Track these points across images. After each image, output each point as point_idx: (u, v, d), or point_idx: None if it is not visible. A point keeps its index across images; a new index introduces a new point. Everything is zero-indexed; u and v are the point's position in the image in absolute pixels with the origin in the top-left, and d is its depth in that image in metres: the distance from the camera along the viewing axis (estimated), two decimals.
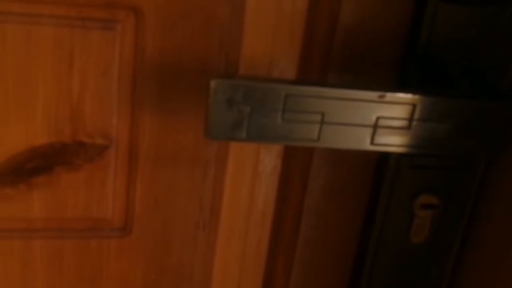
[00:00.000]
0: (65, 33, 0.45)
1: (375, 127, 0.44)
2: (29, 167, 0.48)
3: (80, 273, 0.54)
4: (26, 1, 0.43)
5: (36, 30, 0.44)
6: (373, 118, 0.43)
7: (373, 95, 0.43)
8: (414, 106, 0.43)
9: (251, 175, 0.54)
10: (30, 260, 0.52)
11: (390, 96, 0.43)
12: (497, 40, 0.49)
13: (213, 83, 0.40)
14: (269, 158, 0.54)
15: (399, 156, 0.52)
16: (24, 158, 0.48)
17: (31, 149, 0.48)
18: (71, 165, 0.49)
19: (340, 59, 0.50)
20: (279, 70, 0.51)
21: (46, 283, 0.54)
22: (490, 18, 0.49)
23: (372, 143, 0.44)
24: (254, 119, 0.42)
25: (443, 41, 0.49)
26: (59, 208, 0.51)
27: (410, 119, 0.44)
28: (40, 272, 0.53)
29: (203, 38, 0.47)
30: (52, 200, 0.50)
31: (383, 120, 0.43)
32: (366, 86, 0.43)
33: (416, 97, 0.43)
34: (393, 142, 0.44)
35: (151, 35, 0.46)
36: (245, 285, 0.60)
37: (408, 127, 0.44)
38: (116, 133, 0.49)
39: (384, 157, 0.53)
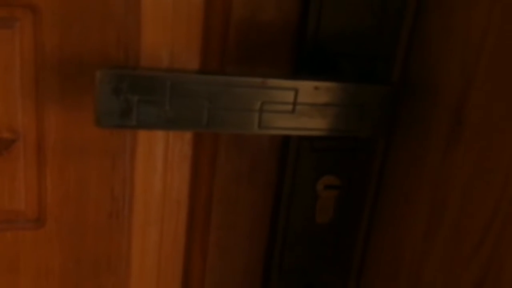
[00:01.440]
0: None
1: (261, 111, 0.46)
2: None
3: None
4: None
5: None
6: (258, 103, 0.46)
7: (256, 81, 0.45)
8: (296, 90, 0.46)
9: (162, 164, 0.57)
10: None
11: (272, 81, 0.46)
12: (384, 29, 0.52)
13: (98, 74, 0.42)
14: (179, 146, 0.57)
15: (300, 139, 0.55)
16: None
17: None
18: None
19: (236, 52, 0.52)
20: (181, 63, 0.53)
21: None
22: (374, 7, 0.52)
23: (259, 126, 0.47)
24: (142, 107, 0.44)
25: (331, 32, 0.52)
26: None
27: (294, 103, 0.47)
28: None
29: (100, 34, 0.49)
30: None
31: (268, 104, 0.46)
32: (251, 73, 0.46)
33: (298, 82, 0.46)
34: (280, 125, 0.47)
35: (49, 32, 0.48)
36: (165, 271, 0.62)
37: (293, 111, 0.47)
38: (22, 127, 0.51)
39: (286, 140, 0.56)
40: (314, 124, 0.48)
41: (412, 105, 0.53)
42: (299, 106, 0.47)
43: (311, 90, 0.46)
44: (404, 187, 0.55)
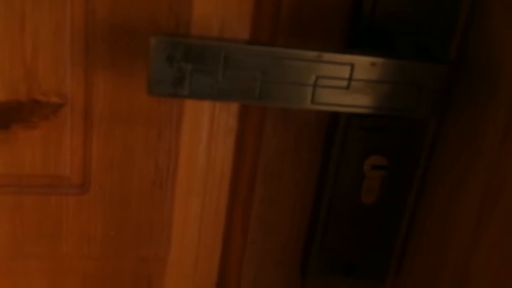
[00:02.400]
0: None
1: (315, 86, 0.45)
2: None
3: (41, 229, 0.56)
4: None
5: None
6: (313, 77, 0.45)
7: (311, 54, 0.44)
8: (352, 66, 0.45)
9: (207, 135, 0.56)
10: None
11: (328, 56, 0.44)
12: (440, 8, 0.50)
13: (153, 41, 0.42)
14: (225, 119, 0.56)
15: (349, 117, 0.54)
16: None
17: None
18: (27, 123, 0.51)
19: (289, 23, 0.51)
20: (231, 32, 0.52)
21: (7, 238, 0.56)
22: None
23: (312, 102, 0.46)
24: (195, 76, 0.43)
25: (388, 8, 0.50)
26: (17, 164, 0.53)
27: (349, 79, 0.45)
28: (1, 227, 0.55)
29: (152, 1, 0.48)
30: (10, 156, 0.52)
31: (322, 79, 0.45)
32: (305, 46, 0.45)
33: (354, 57, 0.45)
34: (333, 101, 0.46)
35: None
36: (205, 243, 0.62)
37: (348, 87, 0.46)
38: (70, 92, 0.51)
39: (334, 117, 0.55)
40: (369, 102, 0.46)
41: (468, 85, 0.51)
42: (354, 82, 0.45)
43: (368, 66, 0.45)
44: (456, 170, 0.53)
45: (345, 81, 0.45)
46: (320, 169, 0.58)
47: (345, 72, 0.45)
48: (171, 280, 0.62)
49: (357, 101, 0.46)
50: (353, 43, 0.51)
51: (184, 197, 0.59)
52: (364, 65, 0.45)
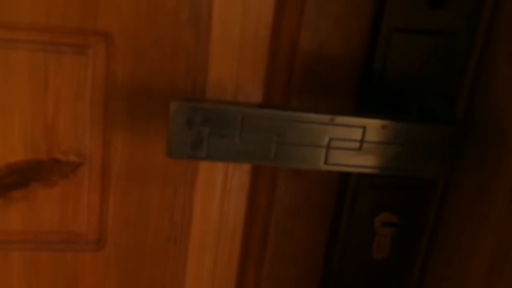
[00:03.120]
0: (40, 57, 0.48)
1: (328, 147, 0.46)
2: (6, 182, 0.51)
3: (56, 285, 0.56)
4: (2, 27, 0.47)
5: (13, 55, 0.48)
6: (326, 139, 0.46)
7: (325, 118, 0.46)
8: (364, 128, 0.46)
9: (221, 192, 0.57)
10: (7, 272, 0.55)
11: (340, 119, 0.46)
12: (448, 68, 0.52)
13: (173, 105, 0.43)
14: (237, 176, 0.57)
15: (359, 176, 0.55)
16: (1, 174, 0.51)
17: (8, 165, 0.51)
18: (46, 181, 0.52)
19: (301, 85, 0.53)
20: (245, 94, 0.54)
21: None
22: (440, 47, 0.52)
23: (325, 163, 0.47)
24: (213, 139, 0.45)
25: (397, 69, 0.52)
26: (36, 221, 0.54)
27: (361, 141, 0.47)
28: (17, 284, 0.56)
29: (171, 64, 0.50)
30: (29, 213, 0.53)
31: (335, 141, 0.46)
32: (318, 109, 0.46)
33: (366, 120, 0.46)
34: (346, 162, 0.47)
35: (121, 60, 0.50)
36: None
37: (360, 148, 0.47)
38: (89, 152, 0.52)
39: (345, 176, 0.56)
40: (380, 163, 0.48)
41: (475, 144, 0.53)
42: (366, 144, 0.47)
43: (379, 129, 0.46)
44: (464, 229, 0.54)
45: (357, 143, 0.47)
46: (331, 226, 0.59)
47: (357, 134, 0.46)
48: None
49: (369, 162, 0.48)
50: (363, 102, 0.53)
51: (197, 253, 0.59)
52: (375, 127, 0.46)
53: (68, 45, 0.48)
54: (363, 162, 0.47)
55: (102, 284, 0.57)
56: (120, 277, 0.58)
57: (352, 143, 0.47)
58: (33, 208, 0.53)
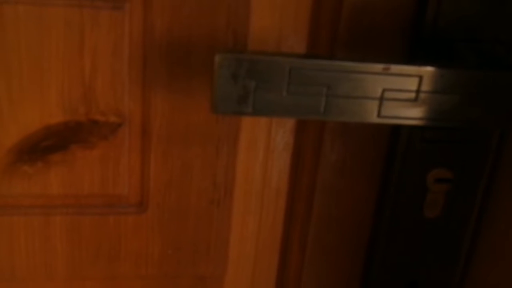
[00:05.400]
0: (75, 14, 0.46)
1: (382, 99, 0.44)
2: (45, 145, 0.50)
3: (99, 249, 0.55)
4: None
5: (47, 12, 0.45)
6: (379, 90, 0.43)
7: (378, 67, 0.43)
8: (420, 78, 0.43)
9: (264, 152, 0.55)
10: (50, 236, 0.54)
11: (395, 68, 0.43)
12: (504, 14, 0.49)
13: (217, 58, 0.41)
14: (281, 135, 0.55)
15: (411, 130, 0.52)
16: (39, 137, 0.49)
17: (46, 127, 0.49)
18: (85, 143, 0.51)
19: (347, 35, 0.50)
20: (287, 46, 0.51)
21: (66, 258, 0.55)
22: None
23: (379, 115, 0.44)
24: (259, 93, 0.42)
25: (450, 17, 0.48)
26: (76, 185, 0.52)
27: (417, 91, 0.44)
28: (60, 248, 0.55)
29: (210, 16, 0.48)
30: (69, 177, 0.52)
31: (389, 92, 0.43)
32: (371, 58, 0.43)
33: (422, 68, 0.43)
34: (400, 114, 0.44)
35: (159, 13, 0.47)
36: (261, 261, 0.61)
37: (415, 99, 0.44)
38: (128, 111, 0.50)
39: (395, 131, 0.53)
40: (436, 114, 0.45)
41: None
42: (422, 94, 0.44)
43: (436, 78, 0.43)
44: None
45: (413, 93, 0.44)
46: (380, 184, 0.56)
47: (413, 84, 0.43)
48: None
49: (425, 114, 0.45)
50: (415, 53, 0.50)
51: (240, 214, 0.58)
52: (432, 76, 0.43)
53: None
54: (419, 114, 0.44)
55: (146, 247, 0.56)
56: (163, 240, 0.56)
57: (408, 93, 0.44)
58: (73, 171, 0.52)
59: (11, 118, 0.48)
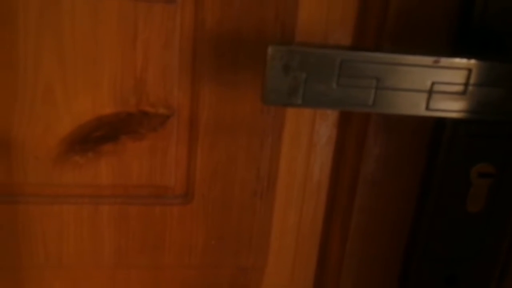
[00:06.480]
0: (129, 7, 0.47)
1: (430, 92, 0.44)
2: (96, 135, 0.51)
3: (145, 240, 0.57)
4: None
5: (101, 4, 0.47)
6: (428, 83, 0.44)
7: (427, 60, 0.43)
8: (469, 71, 0.44)
9: (307, 145, 0.56)
10: (98, 225, 0.55)
11: (445, 61, 0.43)
12: None
13: (270, 50, 0.41)
14: (324, 128, 0.56)
15: (455, 124, 0.53)
16: (91, 127, 0.51)
17: (98, 118, 0.51)
18: (135, 134, 0.52)
19: (395, 28, 0.50)
20: (334, 39, 0.52)
21: (113, 247, 0.57)
22: None
23: (427, 108, 0.45)
24: (309, 85, 0.43)
25: (499, 10, 0.49)
26: (125, 175, 0.53)
27: (466, 84, 0.44)
28: (107, 237, 0.56)
29: (260, 9, 0.49)
30: (119, 167, 0.53)
31: (438, 85, 0.44)
32: (420, 51, 0.44)
33: (472, 61, 0.43)
34: (449, 107, 0.45)
35: (210, 7, 0.48)
36: (302, 253, 0.61)
37: (464, 92, 0.44)
38: (177, 103, 0.51)
39: (440, 125, 0.53)
40: (485, 107, 0.45)
41: None
42: (471, 87, 0.44)
43: (486, 71, 0.44)
44: None
45: (462, 86, 0.44)
46: (423, 178, 0.57)
47: (461, 77, 0.44)
48: None
49: (473, 107, 0.45)
50: (463, 47, 0.50)
51: (282, 206, 0.59)
52: (482, 69, 0.43)
53: None
54: (467, 107, 0.45)
55: (190, 237, 0.57)
56: (207, 230, 0.57)
57: (456, 86, 0.44)
58: (122, 161, 0.53)
59: (65, 109, 0.50)
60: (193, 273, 0.60)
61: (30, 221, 0.54)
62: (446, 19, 0.50)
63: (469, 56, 0.44)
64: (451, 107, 0.45)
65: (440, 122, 0.53)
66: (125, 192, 0.54)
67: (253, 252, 0.59)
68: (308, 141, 0.56)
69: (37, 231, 0.55)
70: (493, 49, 0.49)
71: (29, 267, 0.56)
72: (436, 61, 0.43)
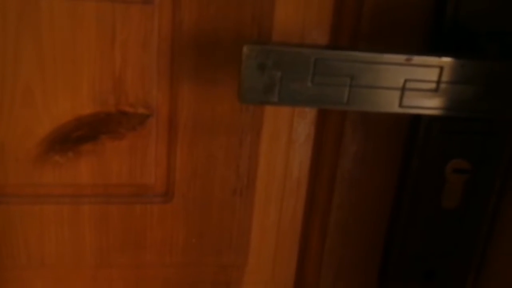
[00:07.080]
0: (107, 8, 0.48)
1: (403, 89, 0.45)
2: (76, 135, 0.52)
3: (125, 238, 0.57)
4: None
5: (80, 6, 0.47)
6: (401, 80, 0.45)
7: (400, 58, 0.44)
8: (441, 68, 0.45)
9: (286, 143, 0.57)
10: (79, 225, 0.56)
11: (417, 59, 0.44)
12: None
13: (245, 49, 0.42)
14: (302, 126, 0.56)
15: (430, 120, 0.54)
16: (71, 128, 0.51)
17: (77, 118, 0.51)
18: (115, 134, 0.52)
19: (370, 28, 0.51)
20: (311, 39, 0.52)
21: (95, 246, 0.57)
22: None
23: (400, 105, 0.46)
24: (285, 83, 0.44)
25: (471, 10, 0.50)
26: (105, 174, 0.54)
27: (438, 82, 0.45)
28: (88, 236, 0.56)
29: (236, 10, 0.49)
30: (99, 167, 0.54)
31: (410, 82, 0.45)
32: (393, 50, 0.45)
33: (443, 59, 0.44)
34: (422, 104, 0.46)
35: (187, 7, 0.49)
36: (282, 250, 0.62)
37: (436, 90, 0.45)
38: (156, 103, 0.52)
39: (415, 122, 0.55)
40: (456, 104, 0.46)
41: None
42: (443, 85, 0.45)
43: (457, 69, 0.45)
44: None
45: (434, 84, 0.45)
46: (399, 174, 0.58)
47: (433, 74, 0.45)
48: None
49: (445, 104, 0.46)
50: (435, 45, 0.51)
51: (262, 204, 0.59)
52: (453, 67, 0.44)
53: None
54: (440, 104, 0.46)
55: (170, 236, 0.58)
56: (188, 229, 0.58)
57: (429, 84, 0.45)
58: (102, 161, 0.53)
59: (44, 110, 0.50)
60: (174, 271, 0.60)
61: (10, 222, 0.54)
62: (420, 19, 0.51)
63: (440, 54, 0.45)
64: (424, 104, 0.46)
65: (416, 119, 0.54)
66: (106, 191, 0.55)
67: (234, 250, 0.60)
68: (287, 139, 0.57)
69: (18, 231, 0.55)
70: (466, 48, 0.51)
71: (10, 267, 0.57)
72: (408, 59, 0.44)
